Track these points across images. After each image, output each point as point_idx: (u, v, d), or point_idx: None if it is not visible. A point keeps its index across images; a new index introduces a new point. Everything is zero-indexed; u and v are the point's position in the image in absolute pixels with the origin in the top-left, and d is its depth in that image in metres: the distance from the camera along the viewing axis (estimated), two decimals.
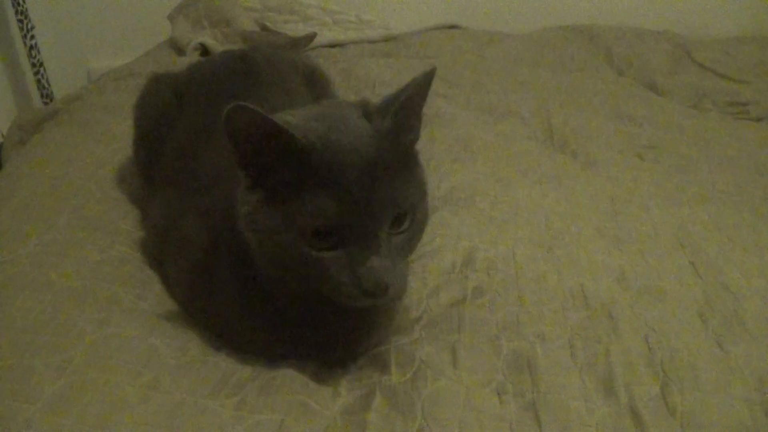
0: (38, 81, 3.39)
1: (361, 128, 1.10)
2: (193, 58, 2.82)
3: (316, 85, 1.93)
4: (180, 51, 2.98)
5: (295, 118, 1.11)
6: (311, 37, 3.13)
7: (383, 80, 2.73)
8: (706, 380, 1.26)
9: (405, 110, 1.11)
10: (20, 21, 3.24)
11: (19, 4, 3.20)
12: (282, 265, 1.10)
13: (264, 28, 3.26)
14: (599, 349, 1.32)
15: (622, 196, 1.96)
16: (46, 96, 3.43)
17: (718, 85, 3.04)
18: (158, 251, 1.49)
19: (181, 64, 2.50)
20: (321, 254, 1.06)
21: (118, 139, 1.97)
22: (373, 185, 1.05)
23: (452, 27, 3.69)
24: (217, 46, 2.92)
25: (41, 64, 3.37)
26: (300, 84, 1.85)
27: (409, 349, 1.30)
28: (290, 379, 1.20)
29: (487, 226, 1.74)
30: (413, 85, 1.10)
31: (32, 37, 3.30)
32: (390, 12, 3.68)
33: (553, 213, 1.83)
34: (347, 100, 1.26)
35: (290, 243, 1.06)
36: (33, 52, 3.32)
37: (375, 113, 1.12)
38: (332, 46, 3.29)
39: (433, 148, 2.17)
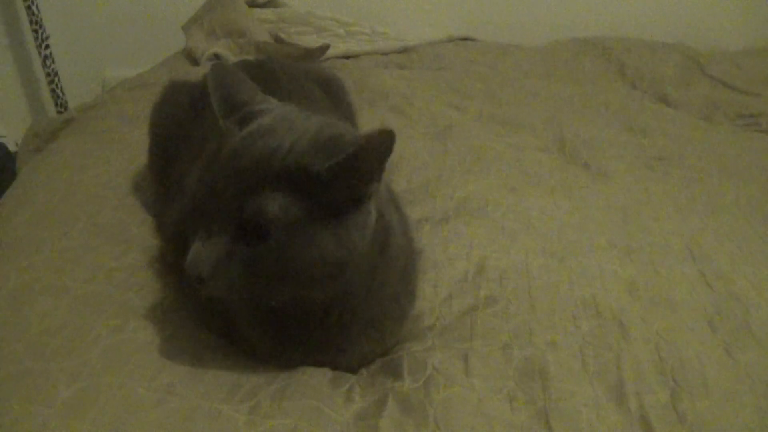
0: (53, 90, 3.42)
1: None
2: (207, 68, 2.82)
3: (333, 93, 1.94)
4: (194, 61, 2.98)
5: None
6: (325, 48, 3.14)
7: (397, 91, 2.73)
8: (716, 388, 1.27)
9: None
10: (35, 31, 3.27)
11: (33, 13, 3.22)
12: None
13: (278, 39, 3.26)
14: (610, 358, 1.33)
15: (634, 207, 1.97)
16: (61, 105, 3.45)
17: (729, 97, 3.05)
18: (173, 259, 1.50)
19: (196, 74, 2.52)
20: None
21: (132, 147, 1.98)
22: (221, 181, 1.07)
23: (465, 39, 3.70)
24: (231, 56, 2.93)
25: (56, 74, 3.40)
26: (318, 92, 1.85)
27: (421, 356, 1.31)
28: (304, 385, 1.20)
29: (500, 236, 1.75)
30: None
31: (47, 46, 3.32)
32: (404, 24, 3.68)
33: (565, 223, 1.83)
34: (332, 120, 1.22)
35: None
36: (47, 62, 3.35)
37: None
38: (346, 57, 3.29)
39: (445, 159, 2.18)
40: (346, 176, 1.04)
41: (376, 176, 1.08)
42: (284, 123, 1.11)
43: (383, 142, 1.02)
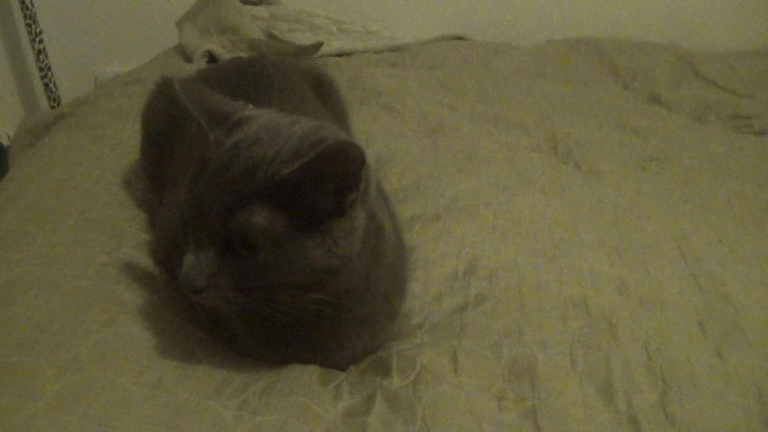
0: (46, 85, 3.41)
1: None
2: (200, 65, 2.82)
3: (324, 91, 1.94)
4: (187, 58, 2.97)
5: None
6: (318, 46, 3.13)
7: (389, 89, 2.73)
8: (705, 389, 1.27)
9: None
10: (28, 26, 3.26)
11: (27, 8, 3.22)
12: None
13: (271, 36, 3.26)
14: (599, 357, 1.33)
15: (625, 207, 1.97)
16: (54, 100, 3.44)
17: (721, 98, 3.03)
18: (165, 255, 1.50)
19: (189, 70, 2.51)
20: None
21: (124, 143, 1.98)
22: (208, 193, 1.07)
23: (458, 38, 3.69)
24: (224, 53, 2.92)
25: (49, 69, 3.39)
26: (309, 90, 1.85)
27: (410, 354, 1.31)
28: (292, 382, 1.21)
29: (490, 235, 1.75)
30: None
31: (40, 41, 3.32)
32: (396, 22, 3.67)
33: (556, 222, 1.83)
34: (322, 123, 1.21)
35: None
36: (41, 57, 3.34)
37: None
38: (339, 55, 3.27)
39: (437, 157, 2.18)
40: (319, 181, 1.05)
41: (353, 186, 1.08)
42: (269, 131, 1.11)
43: (351, 152, 1.03)
